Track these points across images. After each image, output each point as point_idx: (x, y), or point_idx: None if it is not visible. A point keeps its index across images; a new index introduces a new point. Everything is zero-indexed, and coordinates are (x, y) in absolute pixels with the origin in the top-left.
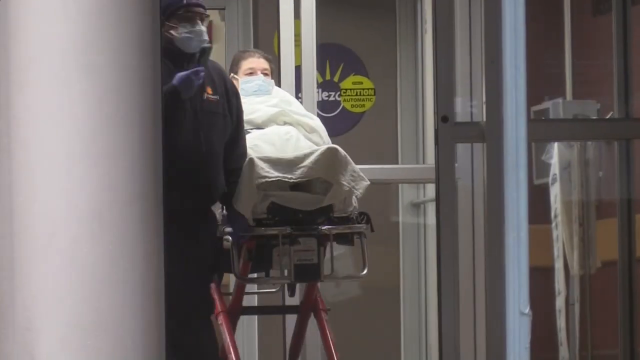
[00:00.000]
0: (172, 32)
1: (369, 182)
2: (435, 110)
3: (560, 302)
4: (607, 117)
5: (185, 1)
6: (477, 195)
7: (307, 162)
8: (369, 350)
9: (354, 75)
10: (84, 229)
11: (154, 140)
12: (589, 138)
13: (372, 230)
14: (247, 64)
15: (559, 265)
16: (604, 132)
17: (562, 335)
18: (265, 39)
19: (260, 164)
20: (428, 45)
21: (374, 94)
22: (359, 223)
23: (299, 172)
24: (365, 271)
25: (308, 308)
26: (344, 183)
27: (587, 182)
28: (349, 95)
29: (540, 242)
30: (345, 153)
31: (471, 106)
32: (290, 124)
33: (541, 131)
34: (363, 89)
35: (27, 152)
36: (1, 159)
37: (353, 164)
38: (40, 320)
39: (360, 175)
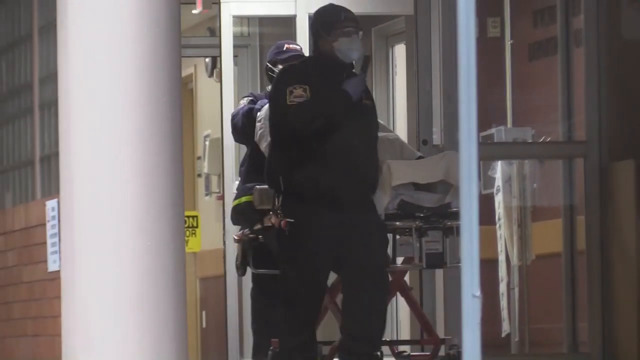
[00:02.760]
0: (333, 44)
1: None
2: (417, 135)
3: (503, 287)
4: (540, 141)
5: (343, 17)
6: None
7: (434, 166)
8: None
9: None
10: (129, 228)
11: (179, 159)
12: (526, 157)
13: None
14: None
15: (502, 257)
16: (537, 152)
17: (504, 313)
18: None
19: (396, 167)
20: (398, 84)
21: None
22: None
23: (427, 175)
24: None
25: (395, 288)
26: None
27: (524, 192)
28: None
29: (487, 239)
30: None
31: (432, 132)
32: None
33: (488, 152)
34: None
35: (85, 165)
36: (64, 172)
37: None
38: (93, 299)
39: None
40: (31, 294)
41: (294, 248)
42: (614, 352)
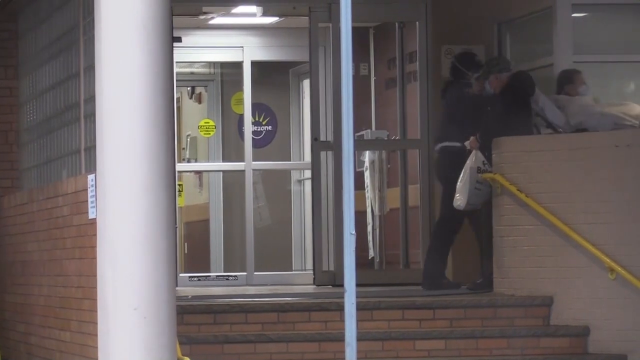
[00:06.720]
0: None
1: None
2: (311, 134)
3: (370, 228)
4: (393, 138)
5: None
6: (330, 177)
7: None
8: (277, 252)
9: (263, 118)
10: (139, 190)
11: (171, 149)
12: (382, 149)
13: None
14: (579, 79)
15: (369, 210)
16: (389, 146)
17: (370, 244)
18: (227, 102)
19: None
20: (306, 104)
21: (214, 128)
22: None
23: None
24: None
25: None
26: None
27: (382, 170)
28: (203, 129)
29: (360, 199)
30: None
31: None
32: None
33: (360, 145)
34: (210, 126)
35: (111, 153)
36: (99, 157)
37: None
38: (116, 234)
39: None
40: (79, 232)
41: None
42: None
